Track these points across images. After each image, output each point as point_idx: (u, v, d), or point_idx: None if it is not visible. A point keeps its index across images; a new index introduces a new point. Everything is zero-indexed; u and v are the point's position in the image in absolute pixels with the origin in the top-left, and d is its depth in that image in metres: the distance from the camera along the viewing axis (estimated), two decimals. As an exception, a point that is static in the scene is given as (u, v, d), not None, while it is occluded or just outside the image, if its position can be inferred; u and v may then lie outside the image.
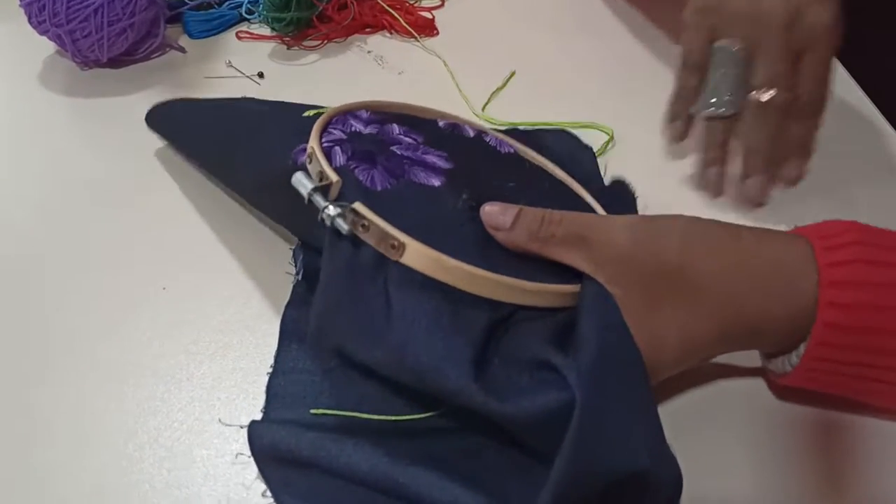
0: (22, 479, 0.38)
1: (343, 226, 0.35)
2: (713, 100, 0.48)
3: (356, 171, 0.39)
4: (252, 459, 0.37)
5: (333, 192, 0.37)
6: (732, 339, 0.36)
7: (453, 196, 0.39)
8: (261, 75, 0.65)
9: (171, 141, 0.56)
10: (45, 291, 0.48)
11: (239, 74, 0.65)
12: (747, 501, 0.36)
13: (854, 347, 0.34)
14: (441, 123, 0.46)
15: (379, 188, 0.38)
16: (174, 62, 0.67)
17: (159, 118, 0.56)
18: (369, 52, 0.67)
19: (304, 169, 0.39)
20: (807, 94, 0.47)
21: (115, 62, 0.66)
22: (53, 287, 0.48)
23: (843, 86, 0.60)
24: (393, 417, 0.38)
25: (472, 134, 0.47)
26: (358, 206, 0.35)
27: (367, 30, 0.70)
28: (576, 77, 0.63)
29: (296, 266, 0.46)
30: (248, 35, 0.70)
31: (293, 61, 0.67)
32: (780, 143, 0.48)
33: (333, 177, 0.37)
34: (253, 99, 0.56)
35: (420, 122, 0.46)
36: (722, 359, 0.42)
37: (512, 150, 0.46)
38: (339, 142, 0.41)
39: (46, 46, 0.68)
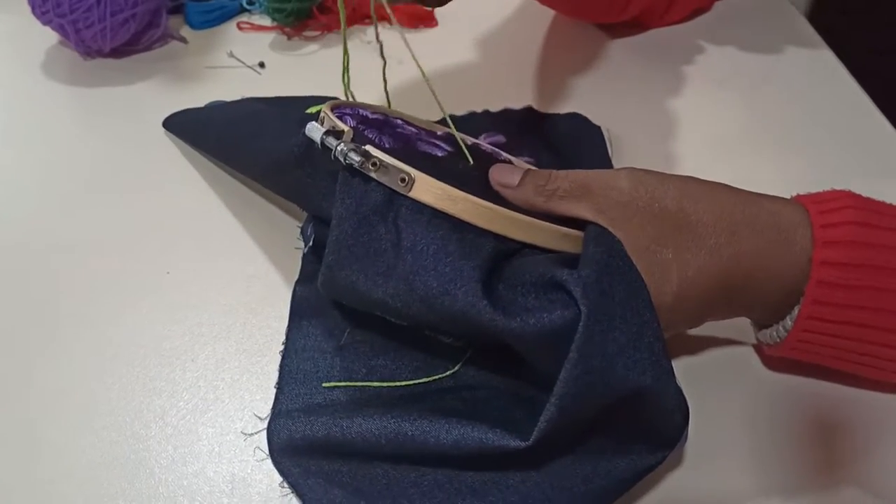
0: (32, 455, 0.39)
1: (355, 158, 0.36)
2: None
3: (365, 131, 0.40)
4: (270, 460, 0.38)
5: (346, 138, 0.38)
6: (729, 287, 0.36)
7: (455, 162, 0.41)
8: (262, 65, 0.65)
9: (188, 142, 0.57)
10: (50, 278, 0.49)
11: (240, 64, 0.66)
12: (738, 471, 0.37)
13: (847, 306, 0.35)
14: (438, 132, 0.48)
15: (387, 146, 0.39)
16: (176, 52, 0.68)
17: (174, 126, 0.58)
18: (369, 42, 0.68)
19: None
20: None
21: (117, 52, 0.67)
22: (59, 273, 0.49)
23: (843, 83, 0.60)
24: (402, 383, 0.39)
25: (469, 142, 0.49)
26: (369, 147, 0.37)
27: (367, 20, 0.71)
28: (573, 71, 0.64)
29: (304, 239, 0.47)
30: (248, 26, 0.70)
31: (293, 51, 0.68)
32: None
33: (345, 127, 0.38)
34: (255, 98, 0.57)
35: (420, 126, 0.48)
36: (714, 333, 0.43)
37: (505, 158, 0.48)
38: (349, 114, 0.42)
39: (49, 36, 0.68)
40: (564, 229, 0.37)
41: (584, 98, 0.60)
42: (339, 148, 0.37)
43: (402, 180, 0.36)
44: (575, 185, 0.37)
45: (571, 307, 0.33)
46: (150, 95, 0.63)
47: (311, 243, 0.46)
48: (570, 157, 0.53)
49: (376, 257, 0.36)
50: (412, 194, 0.36)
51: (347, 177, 0.37)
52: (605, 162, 0.53)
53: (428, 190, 0.35)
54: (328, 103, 0.42)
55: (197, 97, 0.61)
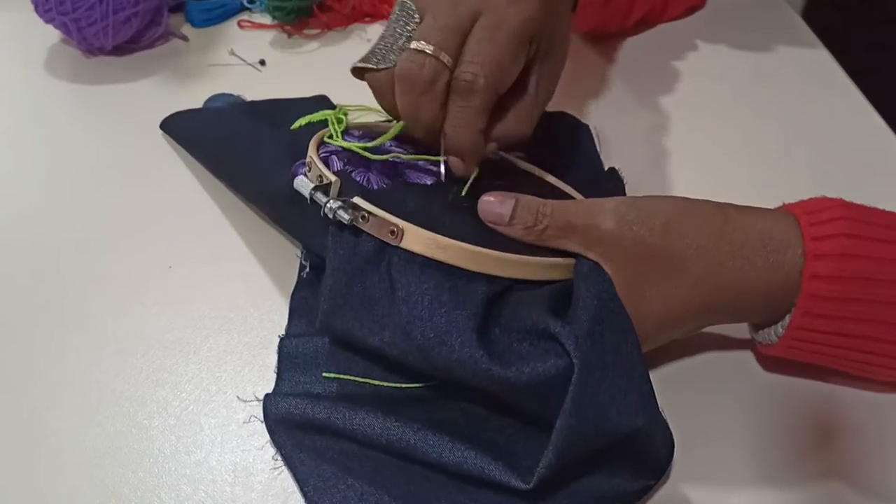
0: (38, 445, 0.40)
1: (344, 216, 0.37)
2: (371, 52, 0.43)
3: (352, 174, 0.41)
4: (265, 427, 0.39)
5: (333, 191, 0.39)
6: (715, 310, 0.37)
7: (445, 191, 0.42)
8: (262, 63, 0.66)
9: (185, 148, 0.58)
10: (55, 272, 0.49)
11: (241, 62, 0.66)
12: (734, 469, 0.38)
13: (837, 318, 0.36)
14: None
15: (375, 188, 0.40)
16: (177, 50, 0.69)
17: (171, 131, 0.58)
18: (369, 40, 0.69)
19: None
20: (461, 71, 0.41)
21: (119, 50, 0.68)
22: (63, 268, 0.50)
23: (837, 81, 0.60)
24: (403, 385, 0.40)
25: None
26: (357, 199, 0.37)
27: (367, 19, 0.71)
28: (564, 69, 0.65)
29: (302, 258, 0.47)
30: (249, 24, 0.71)
31: (294, 49, 0.68)
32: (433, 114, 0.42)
33: (332, 177, 0.39)
34: (250, 104, 0.58)
35: (410, 139, 0.48)
36: (711, 330, 0.43)
37: (498, 158, 0.48)
38: (334, 152, 0.43)
39: (52, 34, 0.69)
40: (553, 259, 0.38)
41: (578, 96, 0.60)
42: (327, 206, 0.37)
43: (392, 232, 0.36)
44: (561, 222, 0.37)
45: (565, 357, 0.34)
46: (152, 93, 0.64)
47: (307, 270, 0.47)
48: (560, 155, 0.53)
49: (371, 306, 0.37)
50: (402, 245, 0.36)
51: (337, 229, 0.38)
52: (594, 160, 0.54)
53: (417, 240, 0.36)
54: (313, 141, 0.42)
55: (198, 94, 0.62)
